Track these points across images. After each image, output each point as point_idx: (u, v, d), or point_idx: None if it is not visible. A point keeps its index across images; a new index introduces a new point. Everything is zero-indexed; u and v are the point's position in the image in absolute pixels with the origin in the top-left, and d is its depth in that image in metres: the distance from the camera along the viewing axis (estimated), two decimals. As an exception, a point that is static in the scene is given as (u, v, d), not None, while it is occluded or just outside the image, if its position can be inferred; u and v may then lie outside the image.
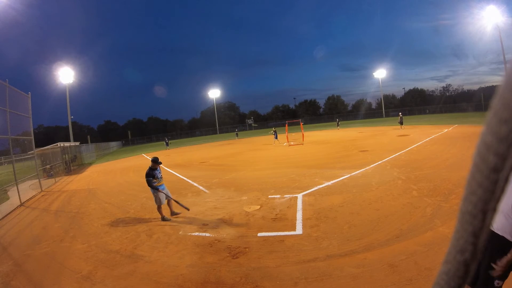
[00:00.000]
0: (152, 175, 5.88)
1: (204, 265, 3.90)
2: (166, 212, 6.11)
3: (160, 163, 6.07)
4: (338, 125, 35.39)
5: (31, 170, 12.67)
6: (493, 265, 1.90)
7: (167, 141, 33.08)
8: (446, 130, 18.89)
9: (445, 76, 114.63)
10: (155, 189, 5.85)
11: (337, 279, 3.25)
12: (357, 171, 8.62)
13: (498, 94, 0.26)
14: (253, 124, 70.99)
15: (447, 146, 11.63)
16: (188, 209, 6.07)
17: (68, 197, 9.79)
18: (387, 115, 62.45)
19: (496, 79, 64.78)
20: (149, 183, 5.83)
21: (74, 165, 21.05)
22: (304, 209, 5.65)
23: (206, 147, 27.45)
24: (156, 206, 5.99)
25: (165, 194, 6.00)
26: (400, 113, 26.19)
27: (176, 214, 6.16)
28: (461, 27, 59.96)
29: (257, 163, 12.86)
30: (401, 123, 24.86)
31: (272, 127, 24.51)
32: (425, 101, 68.23)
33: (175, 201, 6.12)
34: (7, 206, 8.92)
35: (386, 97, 70.73)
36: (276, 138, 22.29)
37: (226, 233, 4.91)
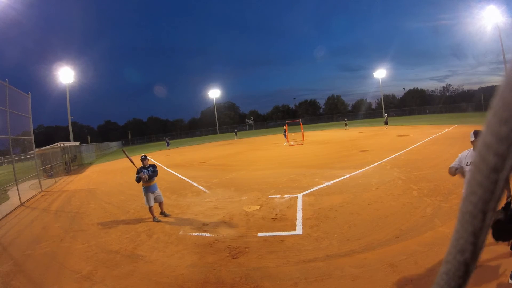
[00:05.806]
0: (138, 172, 6.01)
1: (204, 265, 3.90)
2: (156, 212, 6.22)
3: (144, 158, 6.20)
4: (346, 125, 33.30)
5: (31, 170, 12.66)
6: None
7: (167, 141, 33.09)
8: (446, 130, 18.89)
9: (445, 76, 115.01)
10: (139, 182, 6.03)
11: (337, 279, 3.26)
12: (357, 171, 8.62)
13: (498, 94, 0.26)
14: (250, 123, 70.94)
15: (447, 146, 11.63)
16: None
17: (68, 197, 9.79)
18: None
19: (496, 79, 64.70)
20: (136, 180, 6.01)
21: (74, 165, 21.02)
22: (304, 209, 5.65)
23: (206, 147, 27.44)
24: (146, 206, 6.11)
25: (156, 196, 6.10)
26: (385, 114, 30.50)
27: (166, 215, 6.23)
28: (461, 27, 59.65)
29: (257, 163, 12.86)
30: (386, 123, 27.36)
31: (283, 127, 25.47)
32: (425, 101, 68.07)
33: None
34: (7, 206, 8.91)
35: (386, 97, 70.42)
36: (285, 137, 22.92)
37: (226, 233, 4.91)
